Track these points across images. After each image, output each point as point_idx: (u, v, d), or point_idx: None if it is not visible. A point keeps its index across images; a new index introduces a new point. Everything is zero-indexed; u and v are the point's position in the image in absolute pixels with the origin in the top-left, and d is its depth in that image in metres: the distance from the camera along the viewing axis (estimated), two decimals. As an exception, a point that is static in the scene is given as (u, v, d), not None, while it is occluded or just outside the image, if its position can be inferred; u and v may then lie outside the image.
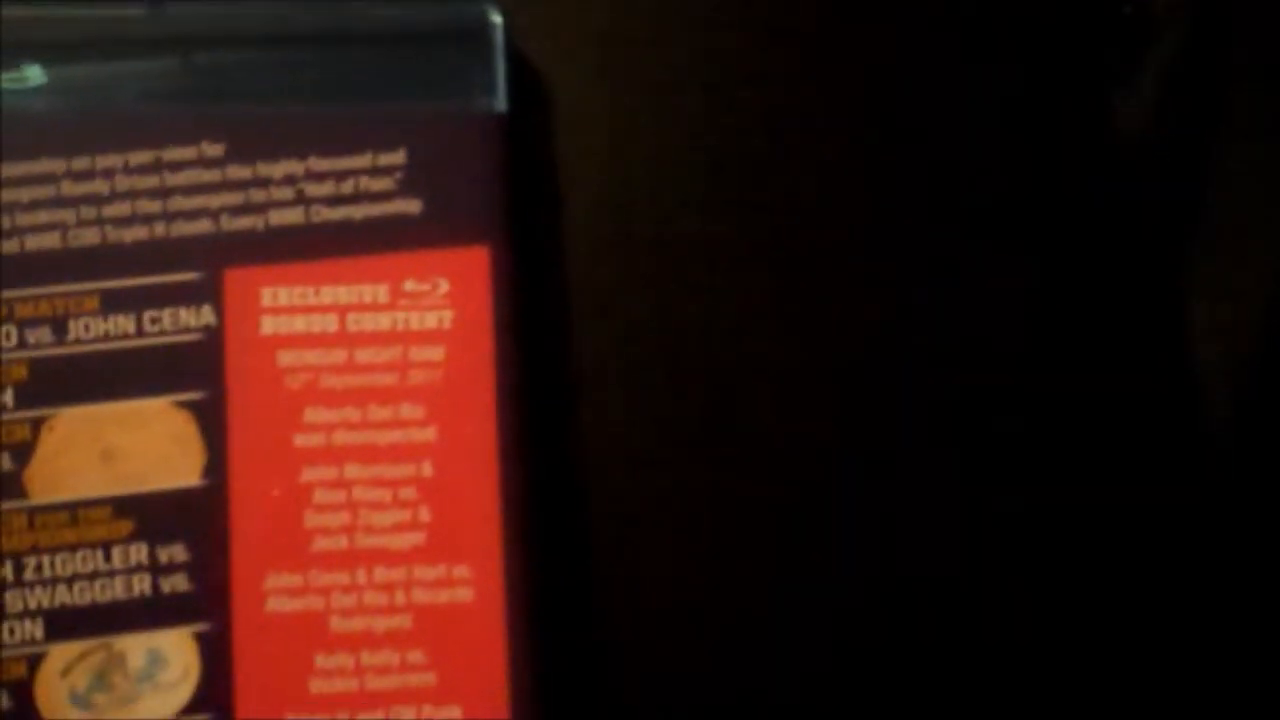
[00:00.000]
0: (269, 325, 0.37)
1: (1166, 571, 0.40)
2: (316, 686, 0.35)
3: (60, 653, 0.35)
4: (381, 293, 0.37)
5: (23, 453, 0.36)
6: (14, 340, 0.36)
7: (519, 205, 0.38)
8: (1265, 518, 0.41)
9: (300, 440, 0.36)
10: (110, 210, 0.37)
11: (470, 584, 0.36)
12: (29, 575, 0.35)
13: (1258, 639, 0.40)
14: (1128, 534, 0.40)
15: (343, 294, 0.37)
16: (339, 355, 0.37)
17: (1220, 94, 0.43)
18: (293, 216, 0.38)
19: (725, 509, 0.39)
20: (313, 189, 0.38)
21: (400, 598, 0.36)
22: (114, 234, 0.37)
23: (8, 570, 0.35)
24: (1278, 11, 0.43)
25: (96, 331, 0.36)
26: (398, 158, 0.38)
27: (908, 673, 0.39)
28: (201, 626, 0.35)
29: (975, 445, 0.40)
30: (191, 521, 0.36)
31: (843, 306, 0.41)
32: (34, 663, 0.35)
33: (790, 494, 0.39)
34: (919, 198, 0.41)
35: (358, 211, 0.38)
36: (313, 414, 0.37)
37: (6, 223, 0.37)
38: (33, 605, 0.35)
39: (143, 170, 0.38)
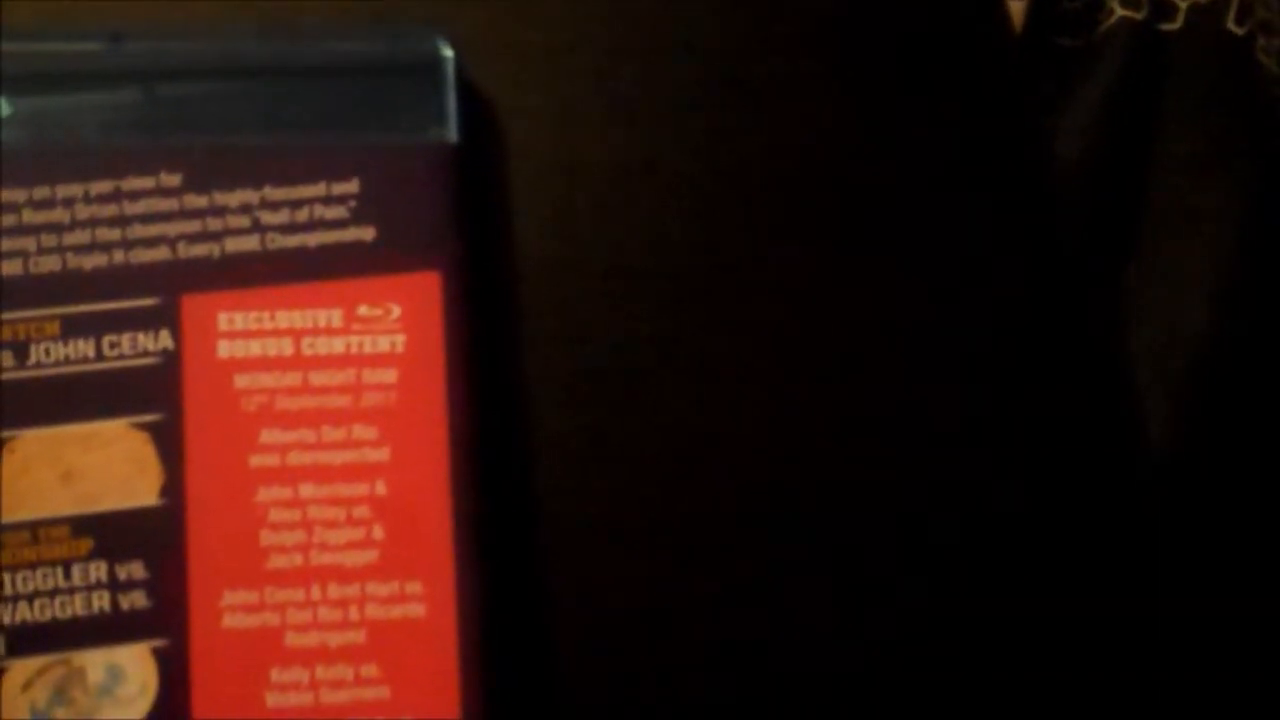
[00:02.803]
0: (225, 349, 0.38)
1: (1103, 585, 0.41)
2: (273, 700, 0.36)
3: (21, 668, 0.36)
4: (335, 317, 0.38)
5: (-17, 474, 0.36)
6: (-25, 364, 0.37)
7: (471, 232, 0.39)
8: (1199, 529, 0.42)
9: (256, 461, 0.37)
10: (71, 238, 0.38)
11: (423, 599, 0.37)
12: (-10, 592, 0.36)
13: (1196, 648, 0.41)
14: (1065, 547, 0.41)
15: (297, 318, 0.38)
16: (294, 378, 0.38)
17: (1153, 125, 0.45)
18: (248, 244, 0.39)
19: (675, 525, 0.40)
20: (268, 217, 0.39)
21: (354, 613, 0.37)
22: (74, 261, 0.38)
23: (-31, 588, 0.36)
24: (1210, 47, 0.44)
25: (57, 355, 0.37)
26: (351, 186, 0.39)
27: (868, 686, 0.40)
28: (159, 642, 0.36)
29: (921, 461, 0.41)
30: (149, 540, 0.36)
31: (795, 327, 0.42)
32: (-6, 678, 0.36)
33: (742, 509, 0.40)
34: (867, 222, 0.42)
35: (312, 239, 0.39)
36: (268, 435, 0.37)
37: (-32, 250, 0.38)
38: (-7, 621, 0.36)
39: (102, 199, 0.38)
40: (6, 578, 0.36)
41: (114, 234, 0.38)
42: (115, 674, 0.36)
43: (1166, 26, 0.47)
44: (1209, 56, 0.47)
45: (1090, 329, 0.42)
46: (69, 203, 0.38)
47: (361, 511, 0.37)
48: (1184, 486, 0.43)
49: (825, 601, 0.40)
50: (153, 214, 0.38)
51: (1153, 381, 0.44)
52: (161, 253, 0.38)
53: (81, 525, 0.36)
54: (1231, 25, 0.47)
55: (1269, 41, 0.48)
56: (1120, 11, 0.47)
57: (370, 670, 0.36)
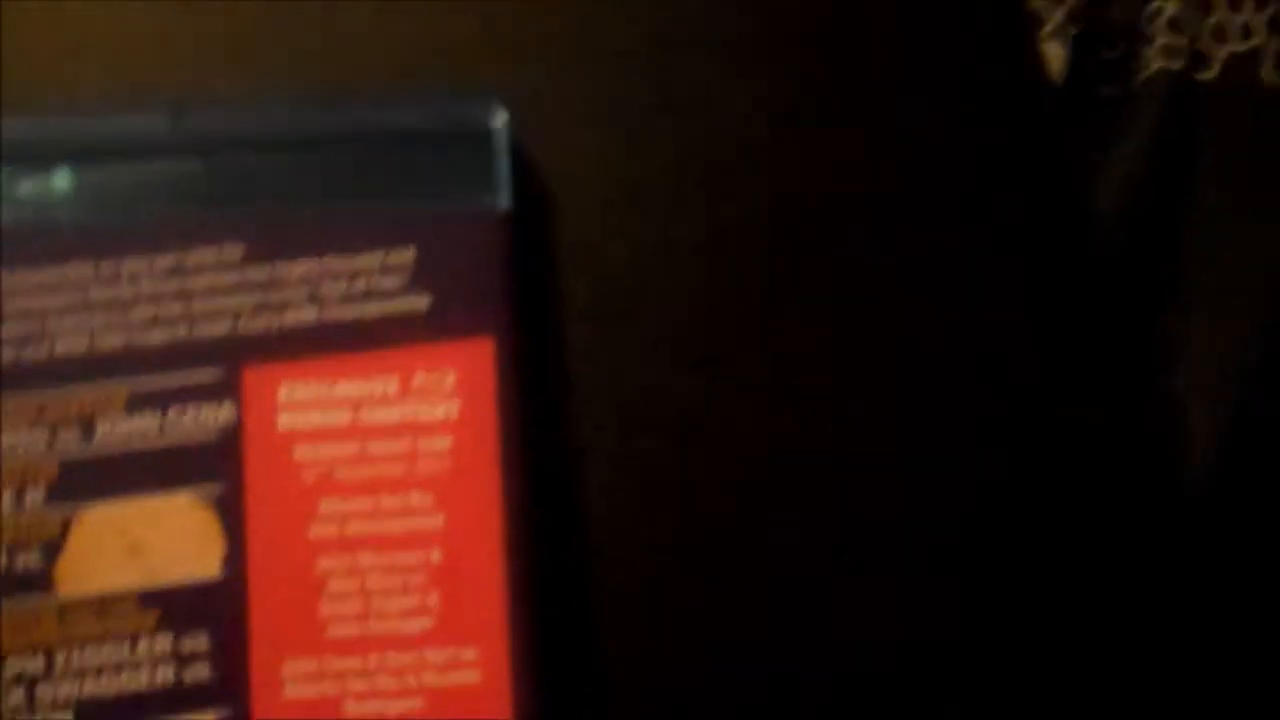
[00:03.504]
0: (286, 420, 0.39)
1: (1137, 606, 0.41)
2: (333, 768, 0.37)
3: (89, 740, 0.37)
4: (392, 385, 0.39)
5: (52, 548, 0.38)
6: (44, 440, 0.38)
7: (523, 298, 0.40)
8: (1243, 565, 0.42)
9: (315, 531, 0.38)
10: (135, 313, 0.39)
11: (477, 665, 0.38)
12: (59, 667, 0.37)
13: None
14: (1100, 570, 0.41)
15: (355, 388, 0.39)
16: (352, 448, 0.39)
17: (1193, 173, 0.45)
18: (308, 315, 0.39)
19: (726, 584, 0.41)
20: (327, 288, 0.40)
21: (411, 680, 0.37)
22: (139, 336, 0.39)
23: (39, 663, 0.37)
24: (1246, 97, 0.44)
25: (123, 430, 0.38)
26: (407, 255, 0.40)
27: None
28: (223, 713, 0.37)
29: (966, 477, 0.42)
30: (212, 612, 0.37)
31: (839, 378, 0.42)
32: (65, 750, 0.37)
33: (787, 569, 0.41)
34: (911, 274, 0.43)
35: (369, 308, 0.40)
36: (327, 505, 0.38)
37: (38, 327, 0.39)
38: (62, 697, 0.37)
39: (166, 274, 0.39)
40: (75, 652, 0.37)
41: (177, 308, 0.39)
42: (181, 745, 0.37)
43: (1203, 76, 0.47)
44: (1245, 105, 0.47)
45: (1134, 373, 0.42)
46: (134, 278, 0.39)
47: (417, 579, 0.38)
48: (1227, 522, 0.43)
49: (883, 643, 0.41)
50: (215, 287, 0.39)
51: (1196, 419, 0.44)
52: (224, 326, 0.39)
53: (148, 598, 0.37)
54: (1268, 74, 0.47)
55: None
56: (1157, 63, 0.47)
57: (428, 737, 0.37)
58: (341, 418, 0.39)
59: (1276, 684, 0.44)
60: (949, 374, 0.42)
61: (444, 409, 0.39)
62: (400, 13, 0.43)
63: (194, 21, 0.43)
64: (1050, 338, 0.43)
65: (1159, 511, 0.42)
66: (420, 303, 0.40)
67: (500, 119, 0.41)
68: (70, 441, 0.38)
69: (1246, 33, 0.47)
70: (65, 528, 0.38)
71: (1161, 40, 0.47)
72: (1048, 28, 0.47)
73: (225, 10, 0.43)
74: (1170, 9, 0.47)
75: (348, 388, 0.39)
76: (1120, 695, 0.41)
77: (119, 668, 0.37)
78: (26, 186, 0.40)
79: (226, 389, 0.39)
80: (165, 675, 0.37)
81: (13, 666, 0.37)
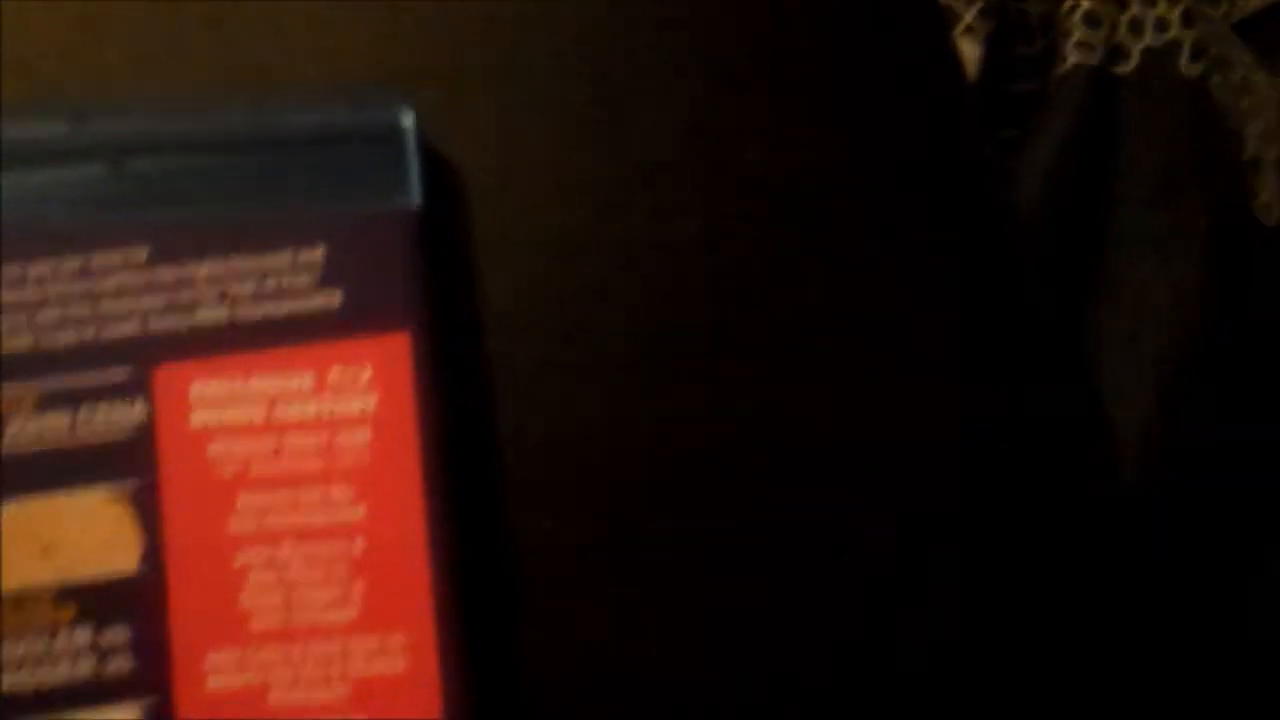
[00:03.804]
0: (199, 418, 0.38)
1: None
2: (259, 760, 0.36)
3: (9, 736, 0.36)
4: (307, 381, 0.39)
5: (-35, 548, 0.37)
6: (-48, 441, 0.37)
7: (437, 293, 0.40)
8: (1165, 561, 0.43)
9: (234, 525, 0.38)
10: (42, 315, 0.39)
11: (404, 653, 0.37)
12: (-24, 663, 0.36)
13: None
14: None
15: (269, 385, 0.39)
16: (268, 442, 0.38)
17: (1112, 165, 0.46)
18: (218, 314, 0.39)
19: (652, 573, 0.41)
20: (236, 287, 0.39)
21: (336, 670, 0.37)
22: (47, 338, 0.38)
23: (-46, 659, 0.36)
24: (1164, 89, 0.45)
25: (33, 430, 0.38)
26: (316, 254, 0.40)
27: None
28: (145, 704, 0.36)
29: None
30: (132, 605, 0.37)
31: (771, 372, 0.42)
32: (-17, 748, 0.36)
33: (721, 560, 0.41)
34: (829, 268, 0.43)
35: (280, 307, 0.39)
36: (245, 499, 0.38)
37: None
38: (-19, 690, 0.36)
39: (72, 276, 0.39)
40: (-8, 647, 0.36)
41: (85, 309, 0.39)
42: (103, 738, 0.36)
43: (1121, 70, 0.49)
44: (1164, 98, 0.49)
45: (1058, 358, 0.43)
46: (40, 281, 0.39)
47: (340, 569, 0.38)
48: (1153, 512, 0.44)
49: (817, 643, 0.41)
50: (122, 289, 0.39)
51: (1121, 409, 0.45)
52: (132, 326, 0.39)
53: (65, 594, 0.37)
54: (1185, 67, 0.49)
55: (1225, 78, 0.50)
56: (1074, 58, 0.48)
57: (355, 726, 0.37)
58: (256, 413, 0.39)
59: (1216, 679, 0.45)
60: (873, 372, 0.43)
61: (361, 403, 0.39)
62: (310, 12, 0.43)
63: (98, 25, 0.43)
64: (974, 336, 0.43)
65: (1088, 507, 0.43)
66: (332, 300, 0.40)
67: (409, 118, 0.41)
68: (-21, 441, 0.38)
69: (1162, 26, 0.49)
70: (-24, 527, 0.37)
71: (1078, 35, 0.48)
72: (961, 25, 0.49)
73: (129, 13, 0.43)
74: (1085, 4, 0.49)
75: (261, 384, 0.39)
76: (1063, 692, 0.41)
77: (39, 661, 0.36)
78: (-73, 193, 0.39)
79: (137, 388, 0.38)
80: (85, 668, 0.36)
81: (-73, 663, 0.36)
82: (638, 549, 0.41)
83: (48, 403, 0.38)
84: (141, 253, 0.39)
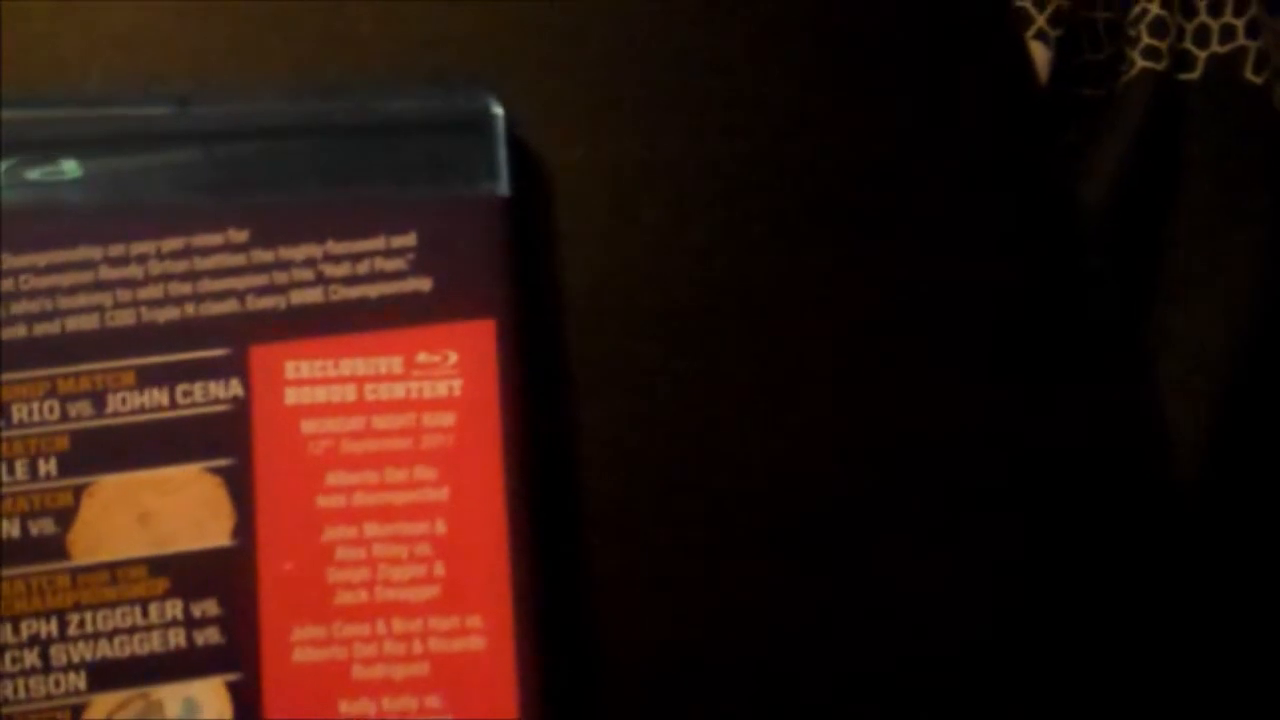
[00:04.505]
0: (292, 396, 0.40)
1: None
2: (341, 731, 0.38)
3: (102, 702, 0.37)
4: (396, 364, 0.40)
5: (65, 517, 0.38)
6: (56, 414, 0.39)
7: (523, 281, 0.41)
8: (1226, 557, 0.43)
9: (323, 502, 0.39)
10: (144, 293, 0.40)
11: (482, 632, 0.38)
12: (72, 631, 0.38)
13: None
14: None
15: (360, 366, 0.40)
16: (357, 422, 0.40)
17: (1176, 171, 0.46)
18: (312, 296, 0.40)
19: (724, 561, 0.42)
20: (330, 270, 0.41)
21: (418, 647, 0.38)
22: (148, 314, 0.40)
23: (53, 626, 0.38)
24: (1229, 96, 0.45)
25: (133, 404, 0.39)
26: (409, 240, 0.41)
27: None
28: (233, 676, 0.38)
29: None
30: (223, 578, 0.38)
31: (836, 367, 0.43)
32: (77, 712, 0.37)
33: (787, 548, 0.42)
34: (897, 269, 0.44)
35: (372, 290, 0.41)
36: (334, 477, 0.39)
37: (49, 306, 0.40)
38: (76, 659, 0.38)
39: (173, 256, 0.40)
40: (88, 616, 0.38)
41: (185, 288, 0.40)
42: (192, 707, 0.38)
43: (1186, 76, 0.49)
44: (1228, 105, 0.49)
45: (1120, 357, 0.44)
46: (142, 259, 0.40)
47: (423, 549, 0.39)
48: (1212, 514, 0.44)
49: (879, 630, 0.42)
50: (221, 269, 0.40)
51: (1181, 413, 0.45)
52: (230, 305, 0.40)
53: (158, 565, 0.38)
54: (1249, 75, 0.49)
55: (1287, 88, 0.50)
56: (1141, 63, 0.48)
57: (434, 701, 0.38)
58: (347, 394, 0.40)
59: (1267, 680, 0.45)
60: (937, 371, 0.43)
61: (447, 386, 0.40)
62: (400, 6, 0.44)
63: (199, 15, 0.44)
64: (1039, 336, 0.44)
65: (1148, 506, 0.43)
66: (423, 285, 0.41)
67: (498, 108, 0.42)
68: (82, 415, 0.39)
69: (1228, 35, 0.49)
70: (77, 497, 0.38)
71: (1145, 41, 0.48)
72: (1033, 29, 0.49)
73: (229, 6, 0.44)
74: (1153, 12, 0.49)
75: (352, 365, 0.40)
76: (1107, 690, 0.42)
77: (131, 631, 0.38)
78: (35, 172, 0.41)
79: (234, 366, 0.40)
80: (177, 639, 0.38)
81: (28, 629, 0.38)
82: (710, 541, 0.42)
83: (147, 378, 0.39)
84: (241, 234, 0.41)
